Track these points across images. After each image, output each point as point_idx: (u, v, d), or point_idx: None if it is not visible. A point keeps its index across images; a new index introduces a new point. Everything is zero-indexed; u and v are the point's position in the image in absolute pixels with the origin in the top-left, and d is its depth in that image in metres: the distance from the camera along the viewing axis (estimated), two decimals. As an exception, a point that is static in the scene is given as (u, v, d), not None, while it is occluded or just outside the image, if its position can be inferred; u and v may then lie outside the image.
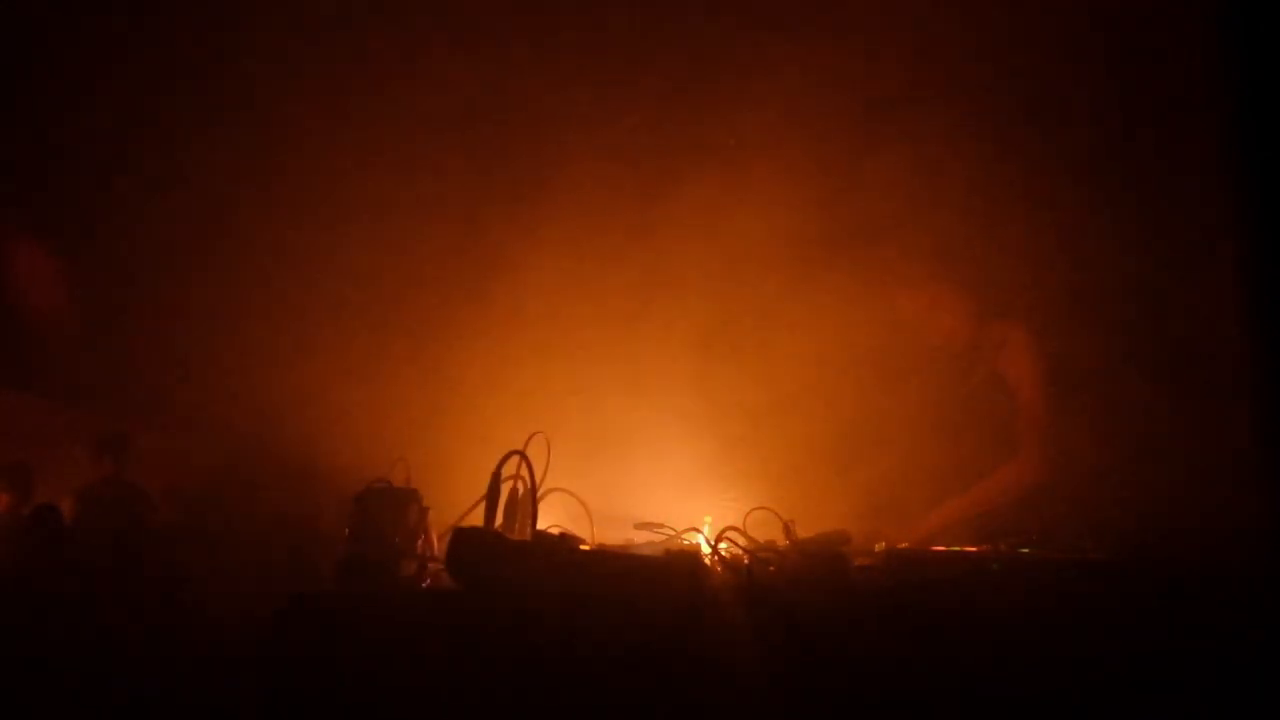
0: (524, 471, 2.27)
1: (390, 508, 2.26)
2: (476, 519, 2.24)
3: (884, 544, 2.49)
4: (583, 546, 2.24)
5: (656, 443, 3.15)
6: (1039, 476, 2.81)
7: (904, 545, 2.54)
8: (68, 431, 4.84)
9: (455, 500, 2.35)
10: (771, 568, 2.09)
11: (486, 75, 3.78)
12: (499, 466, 2.28)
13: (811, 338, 3.23)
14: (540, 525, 2.23)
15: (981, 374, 3.03)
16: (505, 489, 2.31)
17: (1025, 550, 2.22)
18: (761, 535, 2.41)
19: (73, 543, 4.18)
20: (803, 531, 2.46)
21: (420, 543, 2.30)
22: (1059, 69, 3.20)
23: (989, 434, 2.95)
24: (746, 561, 2.17)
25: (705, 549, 2.27)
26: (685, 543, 2.39)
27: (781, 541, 2.41)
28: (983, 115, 3.18)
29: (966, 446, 2.96)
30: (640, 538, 2.48)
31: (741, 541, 2.28)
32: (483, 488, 2.27)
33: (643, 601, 1.85)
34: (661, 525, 2.49)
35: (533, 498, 2.24)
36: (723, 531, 2.33)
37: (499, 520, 2.28)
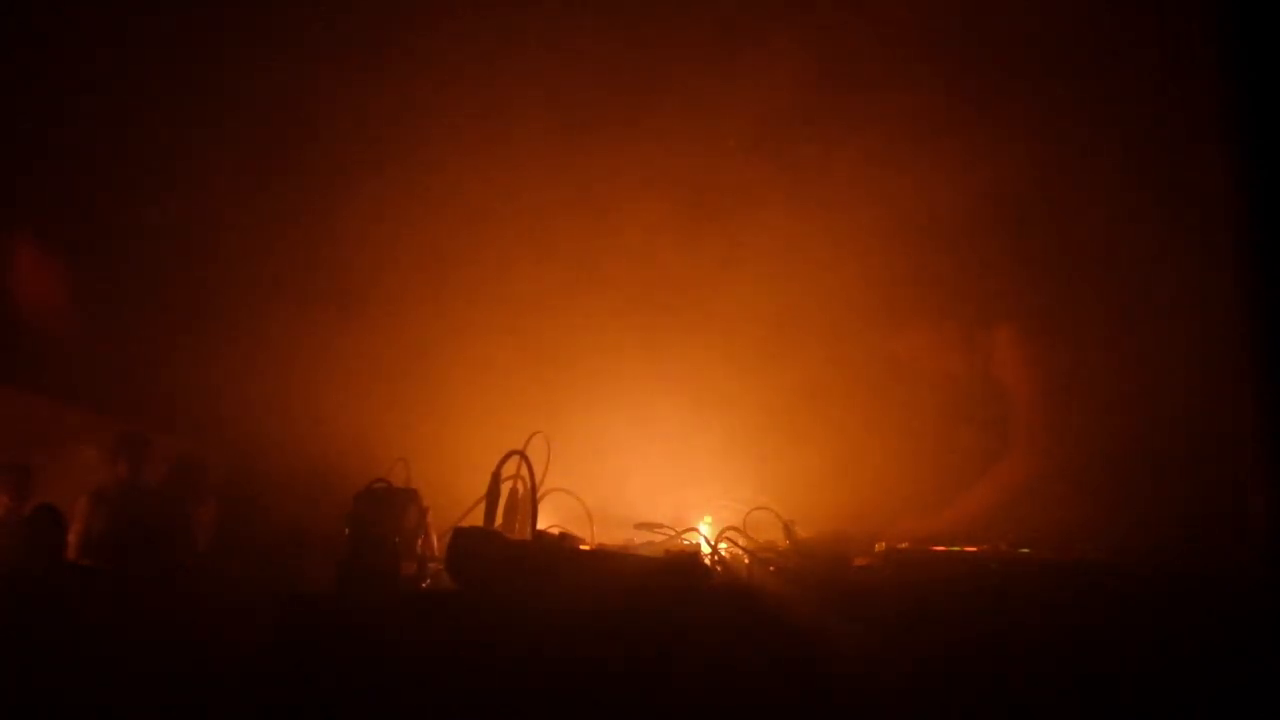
0: (524, 471, 2.28)
1: (390, 508, 2.26)
2: (476, 519, 2.24)
3: (884, 544, 2.49)
4: (583, 546, 2.24)
5: (658, 443, 3.15)
6: (1035, 468, 2.82)
7: (904, 545, 2.54)
8: (69, 432, 4.84)
9: (455, 500, 2.35)
10: (771, 568, 2.09)
11: (497, 78, 3.79)
12: (499, 466, 2.28)
13: (812, 343, 3.24)
14: (540, 525, 2.23)
15: (975, 378, 3.06)
16: (505, 489, 2.31)
17: (1025, 550, 2.22)
18: (761, 535, 2.41)
19: (78, 543, 4.19)
20: (803, 531, 2.46)
21: (420, 543, 2.30)
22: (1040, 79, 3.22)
23: (987, 434, 2.96)
24: (746, 561, 2.17)
25: (705, 549, 2.27)
26: (685, 543, 2.39)
27: (781, 541, 2.41)
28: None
29: (965, 447, 2.97)
30: (640, 538, 2.48)
31: (741, 541, 2.28)
32: (483, 488, 2.27)
33: (643, 601, 1.85)
34: (661, 525, 2.49)
35: (533, 498, 2.24)
36: (723, 531, 2.33)
37: (499, 520, 2.28)
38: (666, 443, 3.15)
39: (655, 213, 3.59)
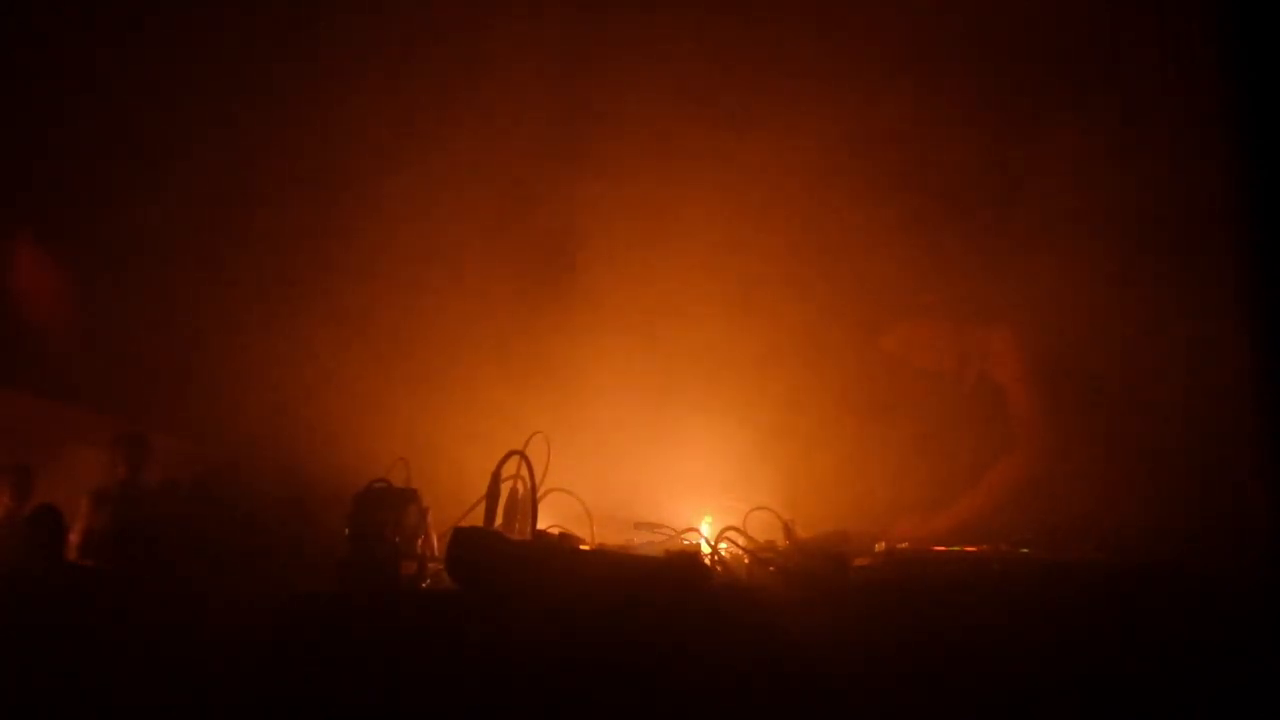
0: (524, 471, 2.28)
1: (390, 508, 2.26)
2: (476, 519, 2.24)
3: (884, 544, 2.49)
4: (583, 546, 2.24)
5: (658, 443, 3.15)
6: (1036, 468, 2.82)
7: (904, 545, 2.54)
8: (69, 431, 4.84)
9: (455, 500, 2.35)
10: (771, 568, 2.09)
11: (499, 80, 3.79)
12: (499, 466, 2.28)
13: (812, 345, 3.25)
14: (540, 525, 2.23)
15: (972, 380, 3.06)
16: (505, 489, 2.31)
17: (1025, 550, 2.22)
18: (761, 535, 2.41)
19: (79, 543, 4.19)
20: (803, 531, 2.46)
21: (420, 543, 2.30)
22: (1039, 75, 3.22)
23: (986, 435, 2.96)
24: (746, 561, 2.17)
25: (705, 549, 2.27)
26: (685, 543, 2.39)
27: (781, 541, 2.41)
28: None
29: (964, 447, 2.97)
30: (640, 538, 2.48)
31: (741, 541, 2.28)
32: (483, 488, 2.27)
33: (643, 601, 1.85)
34: (661, 525, 2.49)
35: (533, 498, 2.24)
36: (723, 531, 2.33)
37: (499, 520, 2.28)
38: (666, 443, 3.15)
39: (656, 212, 3.60)
